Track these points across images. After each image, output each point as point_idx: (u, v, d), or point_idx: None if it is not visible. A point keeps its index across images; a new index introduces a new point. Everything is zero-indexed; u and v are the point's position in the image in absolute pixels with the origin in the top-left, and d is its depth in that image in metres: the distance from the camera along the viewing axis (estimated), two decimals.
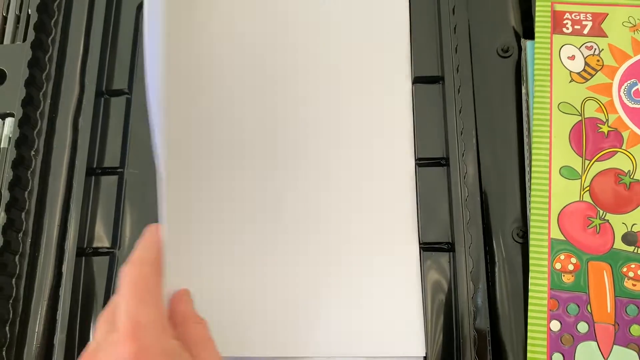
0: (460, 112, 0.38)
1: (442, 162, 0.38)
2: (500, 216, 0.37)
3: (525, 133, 0.37)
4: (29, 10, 0.41)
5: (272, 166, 0.38)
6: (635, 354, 0.32)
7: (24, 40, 0.41)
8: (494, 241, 0.36)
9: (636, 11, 0.37)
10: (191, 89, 0.36)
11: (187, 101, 0.35)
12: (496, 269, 0.36)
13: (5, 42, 0.41)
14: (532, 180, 0.35)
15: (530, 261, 0.34)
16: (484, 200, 0.37)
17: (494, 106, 0.39)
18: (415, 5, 0.41)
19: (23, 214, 0.38)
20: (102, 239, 0.39)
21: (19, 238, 0.38)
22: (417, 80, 0.40)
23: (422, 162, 0.38)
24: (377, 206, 0.37)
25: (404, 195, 0.37)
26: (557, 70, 0.36)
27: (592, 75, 0.36)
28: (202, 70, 0.39)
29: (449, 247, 0.36)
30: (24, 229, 0.38)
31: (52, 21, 0.41)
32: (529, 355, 0.32)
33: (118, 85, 0.41)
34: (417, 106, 0.39)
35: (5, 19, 0.41)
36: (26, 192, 0.39)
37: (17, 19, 0.41)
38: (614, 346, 0.32)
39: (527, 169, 0.36)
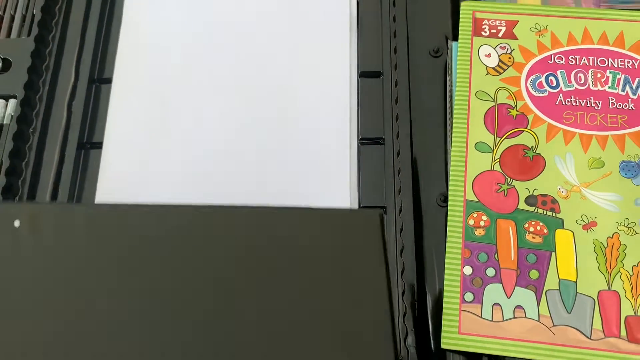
0: (396, 102, 0.45)
1: (380, 141, 0.45)
2: (427, 185, 0.43)
3: (449, 116, 0.44)
4: (34, 10, 0.48)
5: None
6: (532, 293, 0.38)
7: (29, 35, 0.48)
8: (421, 206, 0.43)
9: (541, 19, 0.45)
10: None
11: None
12: (423, 229, 0.42)
13: (12, 36, 0.48)
14: (452, 154, 0.42)
15: (449, 218, 0.40)
16: (414, 172, 0.43)
17: (425, 96, 0.46)
18: (362, 12, 0.49)
19: (19, 181, 0.45)
20: None
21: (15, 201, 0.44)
22: (362, 74, 0.47)
23: (364, 142, 0.45)
24: (323, 177, 0.44)
25: (348, 168, 0.44)
26: (475, 65, 0.44)
27: (505, 70, 0.44)
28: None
29: (384, 211, 0.43)
30: (19, 194, 0.44)
31: (54, 21, 0.49)
32: (445, 294, 0.38)
33: (108, 75, 0.48)
34: (361, 96, 0.46)
35: (13, 17, 0.48)
36: (23, 163, 0.45)
37: (24, 17, 0.48)
38: (516, 287, 0.38)
39: (448, 145, 0.43)
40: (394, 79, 0.46)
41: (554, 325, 0.37)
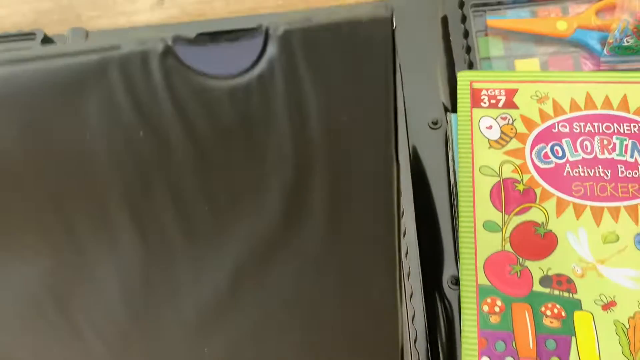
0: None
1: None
2: (436, 268, 0.42)
3: (453, 193, 0.42)
4: None
5: None
6: None
7: None
8: (432, 290, 0.41)
9: (541, 86, 0.43)
10: None
11: None
12: (436, 313, 0.40)
13: None
14: (460, 235, 0.40)
15: (462, 306, 0.38)
16: (422, 254, 0.42)
17: (427, 171, 0.45)
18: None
19: None
20: None
21: None
22: None
23: None
24: None
25: None
26: (477, 139, 0.43)
27: (507, 142, 0.42)
28: None
29: None
30: None
31: None
32: None
33: None
34: None
35: None
36: None
37: None
38: None
39: (455, 227, 0.41)
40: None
41: None
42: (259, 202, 0.26)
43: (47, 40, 0.50)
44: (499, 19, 0.48)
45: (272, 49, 0.22)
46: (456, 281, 0.40)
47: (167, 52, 0.22)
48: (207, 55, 0.22)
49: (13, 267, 0.28)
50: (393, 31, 0.24)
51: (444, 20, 0.50)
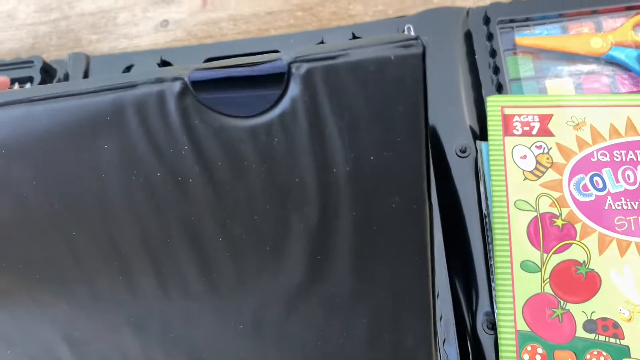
0: None
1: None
2: (470, 311, 0.39)
3: (487, 229, 0.40)
4: None
5: None
6: None
7: None
8: (468, 337, 0.38)
9: (577, 111, 0.40)
10: None
11: None
12: None
13: None
14: (496, 276, 0.37)
15: (500, 354, 0.36)
16: (454, 295, 0.39)
17: (457, 203, 0.42)
18: None
19: None
20: None
21: None
22: None
23: None
24: None
25: None
26: (511, 170, 0.40)
27: (544, 173, 0.39)
28: None
29: None
30: None
31: None
32: None
33: None
34: None
35: None
36: None
37: None
38: None
39: (490, 265, 0.39)
40: None
41: None
42: (282, 247, 0.23)
43: (46, 68, 0.47)
44: (527, 37, 0.45)
45: (294, 88, 0.20)
46: (492, 325, 0.38)
47: (185, 91, 0.19)
48: (226, 94, 0.20)
49: (30, 315, 0.25)
50: (424, 69, 0.21)
51: (468, 37, 0.47)
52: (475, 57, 0.45)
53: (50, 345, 0.26)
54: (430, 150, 0.22)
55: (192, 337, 0.26)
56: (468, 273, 0.40)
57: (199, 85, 0.19)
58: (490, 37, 0.45)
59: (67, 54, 0.48)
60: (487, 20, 0.46)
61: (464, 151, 0.43)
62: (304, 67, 0.19)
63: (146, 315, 0.25)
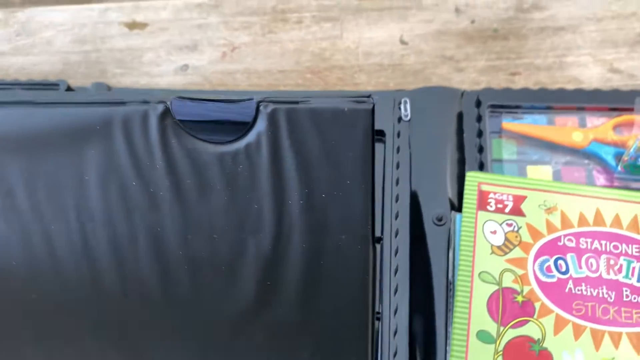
0: (395, 273, 0.43)
1: (377, 317, 0.42)
2: None
3: (450, 296, 0.41)
4: None
5: None
6: None
7: None
8: None
9: (550, 196, 0.43)
10: None
11: None
12: None
13: None
14: (452, 342, 0.39)
15: None
16: (411, 355, 0.40)
17: (427, 265, 0.43)
18: None
19: None
20: None
21: None
22: None
23: None
24: None
25: None
26: (480, 242, 0.42)
27: (511, 250, 0.41)
28: None
29: None
30: None
31: None
32: None
33: None
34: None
35: None
36: None
37: None
38: None
39: (449, 330, 0.40)
40: (394, 247, 0.44)
41: None
42: (236, 268, 0.25)
43: (69, 90, 0.51)
44: (514, 123, 0.48)
45: (261, 124, 0.22)
46: None
47: (166, 113, 0.22)
48: (201, 121, 0.23)
49: None
50: (373, 123, 0.24)
51: (460, 116, 0.50)
52: (464, 135, 0.48)
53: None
54: (374, 195, 0.24)
55: (141, 346, 0.27)
56: (428, 337, 0.41)
57: (179, 104, 0.22)
58: (479, 118, 0.48)
59: (91, 82, 0.53)
60: (478, 103, 0.49)
61: (440, 219, 0.45)
62: (271, 106, 0.22)
63: (103, 316, 0.27)
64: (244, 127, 0.22)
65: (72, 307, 0.27)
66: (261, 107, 0.22)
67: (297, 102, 0.22)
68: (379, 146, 0.49)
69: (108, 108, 0.22)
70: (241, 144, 0.22)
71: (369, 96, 0.22)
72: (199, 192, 0.23)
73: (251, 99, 0.22)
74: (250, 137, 0.22)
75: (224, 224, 0.24)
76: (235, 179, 0.23)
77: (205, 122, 0.22)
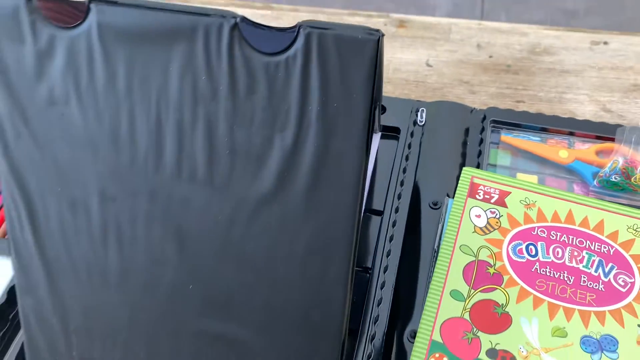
0: (390, 240, 0.50)
1: (368, 271, 0.49)
2: (402, 321, 0.46)
3: (432, 261, 0.48)
4: None
5: None
6: None
7: None
8: (393, 339, 0.46)
9: (531, 195, 0.50)
10: None
11: None
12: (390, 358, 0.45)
13: None
14: (428, 296, 0.45)
15: (412, 352, 0.43)
16: (393, 306, 0.47)
17: (417, 240, 0.50)
18: (379, 157, 0.56)
19: None
20: None
21: None
22: (367, 210, 0.53)
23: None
24: None
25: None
26: (465, 222, 0.49)
27: (490, 232, 0.48)
28: None
29: (359, 335, 0.46)
30: None
31: None
32: None
33: None
34: (362, 229, 0.51)
35: None
36: None
37: None
38: None
39: (427, 288, 0.47)
40: (393, 219, 0.51)
41: None
42: (264, 157, 0.33)
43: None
44: (512, 137, 0.56)
45: (299, 42, 0.31)
46: (414, 334, 0.45)
47: (235, 27, 0.31)
48: (256, 36, 0.31)
49: (77, 167, 0.37)
50: (377, 51, 0.31)
51: (467, 130, 0.58)
52: (467, 143, 0.56)
53: (87, 194, 0.36)
54: (373, 111, 0.32)
55: (183, 218, 0.35)
56: (409, 292, 0.48)
57: (246, 21, 0.30)
58: (482, 130, 0.56)
59: None
60: (483, 118, 0.57)
61: (435, 204, 0.52)
62: (308, 29, 0.30)
63: (159, 190, 0.35)
64: (288, 44, 0.31)
65: (144, 170, 0.35)
66: (301, 29, 0.30)
67: (326, 29, 0.30)
68: (393, 141, 0.57)
69: (195, 17, 0.31)
70: (282, 56, 0.31)
71: (377, 30, 0.30)
72: (247, 91, 0.32)
73: (295, 26, 0.30)
74: (290, 52, 0.31)
75: (261, 120, 0.32)
76: (274, 84, 0.31)
77: (260, 37, 0.31)
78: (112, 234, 0.37)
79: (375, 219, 0.52)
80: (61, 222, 0.37)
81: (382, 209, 0.52)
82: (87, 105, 0.34)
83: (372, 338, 0.45)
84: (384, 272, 0.48)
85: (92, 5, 0.32)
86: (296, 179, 0.33)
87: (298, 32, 0.30)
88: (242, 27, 0.31)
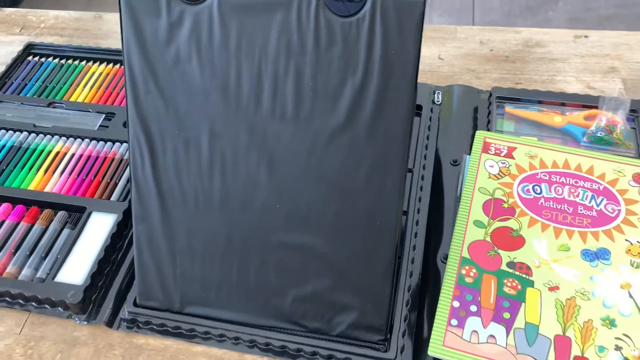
0: (421, 189, 0.61)
1: (405, 213, 0.60)
2: (435, 248, 0.57)
3: (457, 202, 0.59)
4: None
5: None
6: (503, 328, 0.49)
7: None
8: (429, 262, 0.56)
9: (534, 149, 0.61)
10: None
11: None
12: (429, 276, 0.55)
13: None
14: (456, 226, 0.56)
15: (447, 268, 0.53)
16: (426, 237, 0.58)
17: (443, 189, 0.62)
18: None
19: None
20: None
21: None
22: None
23: None
24: None
25: None
26: (481, 171, 0.60)
27: (502, 177, 0.59)
28: None
29: (400, 259, 0.56)
30: None
31: None
32: (436, 317, 0.50)
33: None
34: None
35: None
36: None
37: None
38: (491, 322, 0.50)
39: (454, 220, 0.57)
40: (421, 174, 0.62)
41: (517, 353, 0.48)
42: (338, 95, 0.45)
43: None
44: (515, 109, 0.68)
45: (367, 5, 0.42)
46: (446, 257, 0.55)
47: None
48: (335, 3, 0.43)
49: (193, 108, 0.48)
50: (423, 12, 0.42)
51: (476, 107, 0.70)
52: (477, 116, 0.68)
53: (199, 133, 0.47)
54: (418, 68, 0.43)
55: (275, 148, 0.46)
56: (440, 228, 0.59)
57: None
58: (489, 105, 0.68)
59: None
60: (490, 95, 0.69)
61: (455, 161, 0.64)
62: None
63: (257, 126, 0.46)
64: (358, 8, 0.42)
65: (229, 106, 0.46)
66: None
67: None
68: (417, 118, 0.69)
69: None
70: (355, 17, 0.42)
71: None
72: (328, 44, 0.43)
73: None
74: (361, 14, 0.42)
75: (337, 67, 0.43)
76: (348, 39, 0.43)
77: (338, 3, 0.43)
78: (217, 165, 0.48)
79: (407, 176, 0.63)
80: (176, 159, 0.48)
81: (412, 167, 0.63)
82: (205, 61, 0.45)
83: (413, 261, 0.56)
84: (418, 213, 0.59)
85: None
86: (362, 111, 0.44)
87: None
88: None
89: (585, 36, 0.77)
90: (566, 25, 1.87)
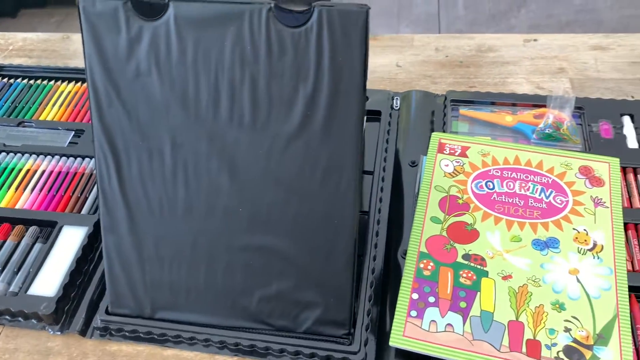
0: (381, 190, 0.64)
1: (367, 214, 0.62)
2: (395, 245, 0.60)
3: (414, 201, 0.62)
4: None
5: None
6: (460, 316, 0.52)
7: None
8: (390, 258, 0.59)
9: (486, 147, 0.64)
10: None
11: None
12: (389, 271, 0.58)
13: None
14: (414, 222, 0.59)
15: (406, 263, 0.56)
16: (387, 236, 0.60)
17: (403, 189, 0.64)
18: (368, 129, 0.70)
19: None
20: None
21: None
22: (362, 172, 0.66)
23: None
24: None
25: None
26: (437, 170, 0.63)
27: (457, 175, 0.62)
28: None
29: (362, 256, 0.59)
30: None
31: None
32: (397, 310, 0.53)
33: None
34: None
35: None
36: None
37: None
38: (449, 311, 0.52)
39: (412, 219, 0.60)
40: (381, 176, 0.65)
41: (474, 339, 0.51)
42: (292, 103, 0.47)
43: None
44: (468, 110, 0.71)
45: (314, 16, 0.45)
46: (405, 252, 0.58)
47: (270, 10, 0.45)
48: (284, 15, 0.45)
49: (156, 122, 0.50)
50: (366, 21, 0.45)
51: (432, 110, 0.73)
52: (434, 119, 0.71)
53: (161, 144, 0.49)
54: (366, 64, 0.46)
55: (235, 154, 0.49)
56: (400, 226, 0.61)
57: (276, 6, 0.45)
58: (444, 107, 0.71)
59: None
60: (445, 99, 0.72)
61: (413, 163, 0.67)
62: (319, 7, 0.45)
63: (216, 134, 0.48)
64: (306, 19, 0.45)
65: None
66: (315, 8, 0.45)
67: (332, 6, 0.45)
68: (376, 123, 0.72)
69: (242, 6, 0.45)
70: (303, 28, 0.45)
71: (365, 5, 0.45)
72: (279, 54, 0.46)
73: (311, 6, 0.45)
74: (309, 24, 0.45)
75: (290, 75, 0.46)
76: (298, 47, 0.45)
77: (287, 15, 0.45)
78: (181, 173, 0.50)
79: (368, 178, 0.66)
80: (141, 169, 0.50)
81: (372, 170, 0.66)
82: (164, 74, 0.48)
83: (375, 258, 0.58)
84: (379, 212, 0.62)
85: (171, 3, 0.46)
86: (315, 116, 0.47)
87: (313, 9, 0.45)
88: (274, 10, 0.46)
89: (535, 40, 0.81)
90: (528, 32, 1.93)
